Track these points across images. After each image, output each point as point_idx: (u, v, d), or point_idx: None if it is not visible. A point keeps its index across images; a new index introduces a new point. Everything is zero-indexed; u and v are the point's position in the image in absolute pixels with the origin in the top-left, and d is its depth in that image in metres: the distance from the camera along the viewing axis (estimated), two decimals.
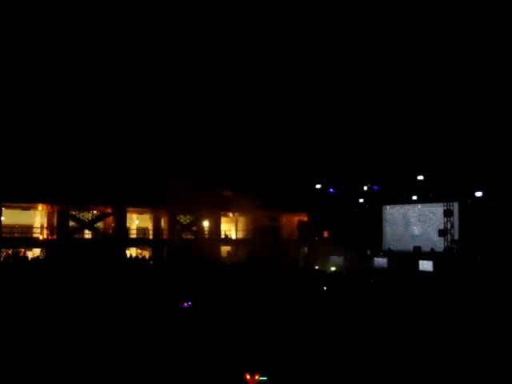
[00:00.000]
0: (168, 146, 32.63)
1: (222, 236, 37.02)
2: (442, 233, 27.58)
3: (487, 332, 12.04)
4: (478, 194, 27.28)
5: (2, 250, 30.08)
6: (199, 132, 32.67)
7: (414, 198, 30.56)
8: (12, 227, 31.23)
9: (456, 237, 27.51)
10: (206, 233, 36.28)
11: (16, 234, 31.19)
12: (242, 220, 38.40)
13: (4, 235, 29.99)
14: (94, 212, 33.80)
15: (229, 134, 33.31)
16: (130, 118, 31.49)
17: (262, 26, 28.92)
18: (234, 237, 38.07)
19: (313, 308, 15.31)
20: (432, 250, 28.61)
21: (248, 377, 7.19)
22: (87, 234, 33.66)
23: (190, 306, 14.78)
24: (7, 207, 30.66)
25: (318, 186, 32.76)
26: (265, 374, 7.60)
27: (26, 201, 30.90)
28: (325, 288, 19.59)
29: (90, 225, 33.53)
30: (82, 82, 29.64)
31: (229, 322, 13.09)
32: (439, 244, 28.17)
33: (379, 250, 31.52)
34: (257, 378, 7.25)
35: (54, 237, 31.79)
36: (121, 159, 31.64)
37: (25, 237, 31.39)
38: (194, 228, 36.54)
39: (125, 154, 31.74)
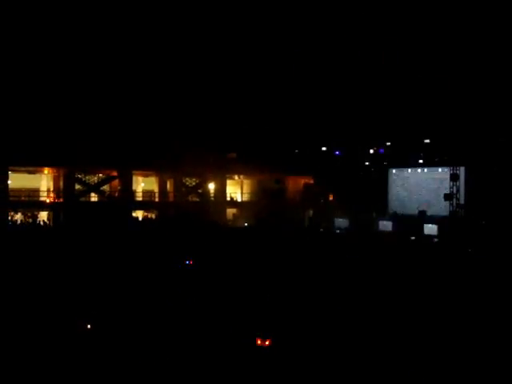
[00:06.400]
0: (173, 109, 32.33)
1: (228, 198, 37.17)
2: (447, 197, 27.55)
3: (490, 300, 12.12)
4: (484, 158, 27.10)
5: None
6: (204, 94, 32.28)
7: (420, 161, 30.38)
8: (19, 191, 31.41)
9: (462, 201, 27.49)
10: (212, 195, 36.39)
11: (23, 198, 31.40)
12: (247, 183, 38.49)
13: (12, 199, 30.21)
14: (100, 175, 33.91)
15: (234, 96, 32.90)
16: (135, 80, 31.09)
17: None
18: (239, 199, 38.22)
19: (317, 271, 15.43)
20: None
21: (259, 342, 7.29)
22: (93, 197, 33.86)
23: (190, 264, 14.92)
24: (14, 171, 30.75)
25: (324, 149, 32.54)
26: (270, 337, 7.65)
27: (32, 164, 30.98)
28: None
29: (96, 188, 33.68)
30: (86, 44, 29.15)
31: (229, 282, 13.23)
32: (445, 208, 28.17)
33: (384, 213, 31.59)
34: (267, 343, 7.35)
35: (61, 200, 32.02)
36: (126, 122, 31.43)
37: (32, 200, 31.63)
38: (199, 190, 36.65)
39: (130, 117, 31.51)
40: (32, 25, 27.52)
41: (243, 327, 8.83)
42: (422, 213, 29.45)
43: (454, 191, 27.41)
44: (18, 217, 31.65)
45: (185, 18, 29.75)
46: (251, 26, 29.78)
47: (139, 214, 34.95)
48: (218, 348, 8.17)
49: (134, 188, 34.84)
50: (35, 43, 28.11)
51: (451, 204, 27.44)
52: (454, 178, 27.34)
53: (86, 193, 33.32)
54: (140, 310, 11.02)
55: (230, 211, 36.91)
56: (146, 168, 34.51)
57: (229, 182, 37.36)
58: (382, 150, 31.79)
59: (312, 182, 36.74)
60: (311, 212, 33.42)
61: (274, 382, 7.03)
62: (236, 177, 38.04)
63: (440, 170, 29.96)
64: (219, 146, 34.18)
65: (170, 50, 30.63)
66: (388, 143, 30.32)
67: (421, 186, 31.21)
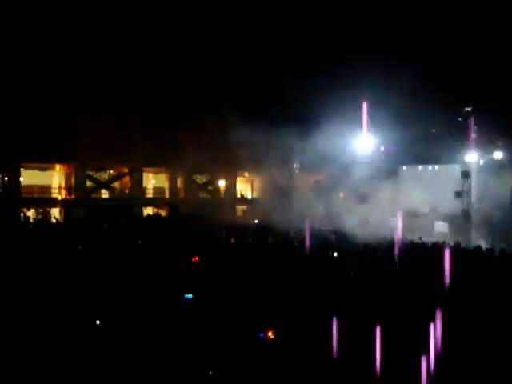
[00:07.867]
0: (182, 106, 32.39)
1: (238, 196, 37.22)
2: (458, 195, 27.25)
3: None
4: (497, 154, 26.83)
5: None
6: (212, 90, 32.27)
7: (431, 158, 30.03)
8: (31, 187, 31.76)
9: (473, 199, 27.19)
10: (222, 192, 36.50)
11: (35, 195, 31.75)
12: (257, 180, 38.49)
13: (24, 195, 30.56)
14: (111, 172, 34.21)
15: (242, 92, 32.84)
16: (143, 78, 31.18)
17: None
18: (249, 197, 38.26)
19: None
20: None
21: (270, 334, 7.29)
22: (104, 194, 34.17)
23: (196, 261, 14.95)
24: (26, 168, 31.11)
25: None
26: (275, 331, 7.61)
27: (43, 161, 31.34)
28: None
29: (106, 185, 33.99)
30: (96, 42, 29.34)
31: (236, 280, 13.21)
32: (456, 206, 27.89)
33: (395, 211, 31.28)
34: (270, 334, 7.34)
35: (72, 197, 32.33)
36: (136, 119, 31.57)
37: (43, 197, 31.97)
38: (210, 188, 36.77)
39: (140, 114, 31.64)
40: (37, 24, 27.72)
41: (247, 321, 8.85)
42: (433, 210, 29.22)
43: (465, 189, 27.11)
44: (31, 213, 31.97)
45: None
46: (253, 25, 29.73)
47: (150, 211, 35.16)
48: (223, 342, 8.20)
49: (144, 185, 35.11)
50: (45, 41, 28.35)
51: (462, 202, 27.15)
52: (465, 175, 27.01)
53: (97, 189, 33.65)
54: (146, 307, 11.10)
55: (240, 208, 36.99)
56: (157, 165, 34.73)
57: (239, 178, 37.44)
58: (393, 147, 31.53)
59: (321, 179, 36.57)
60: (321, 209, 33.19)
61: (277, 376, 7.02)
62: (246, 174, 38.07)
63: (451, 167, 29.57)
64: (229, 142, 34.18)
65: (177, 47, 30.68)
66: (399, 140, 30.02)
67: (432, 183, 30.87)
